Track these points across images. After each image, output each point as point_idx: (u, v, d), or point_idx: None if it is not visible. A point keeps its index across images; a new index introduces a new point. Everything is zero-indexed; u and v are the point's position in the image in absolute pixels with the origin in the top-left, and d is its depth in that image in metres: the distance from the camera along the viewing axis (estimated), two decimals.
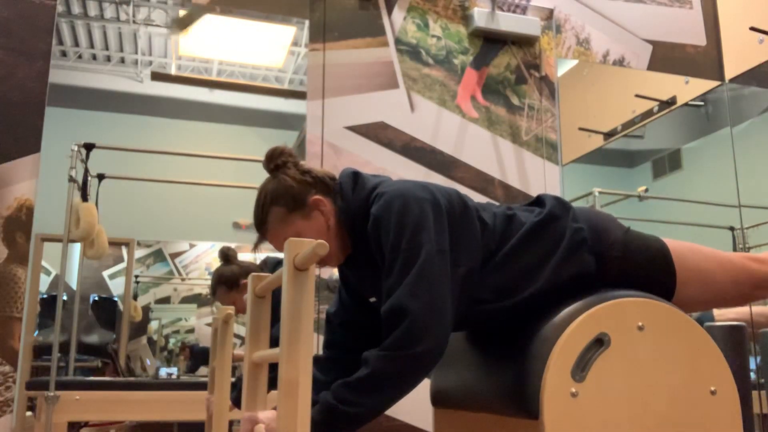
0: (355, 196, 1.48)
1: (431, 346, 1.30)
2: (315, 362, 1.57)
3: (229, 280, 2.43)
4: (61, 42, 2.94)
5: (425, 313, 1.30)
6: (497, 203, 1.75)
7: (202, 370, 3.18)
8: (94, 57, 3.05)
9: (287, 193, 1.46)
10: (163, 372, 2.81)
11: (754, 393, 3.04)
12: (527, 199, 3.23)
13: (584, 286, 1.44)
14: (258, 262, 2.59)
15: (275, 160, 1.50)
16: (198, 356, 3.21)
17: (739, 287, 1.54)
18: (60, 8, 2.89)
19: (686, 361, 1.35)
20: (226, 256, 2.45)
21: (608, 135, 3.65)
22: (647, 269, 1.49)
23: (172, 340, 3.24)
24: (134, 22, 3.06)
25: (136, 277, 3.21)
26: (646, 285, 1.47)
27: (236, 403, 2.07)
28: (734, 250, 3.57)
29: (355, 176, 1.52)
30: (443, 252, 1.36)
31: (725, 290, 1.54)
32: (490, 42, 3.42)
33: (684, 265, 1.51)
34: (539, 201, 1.56)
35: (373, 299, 1.54)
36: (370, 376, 1.29)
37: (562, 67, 3.54)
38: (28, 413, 2.73)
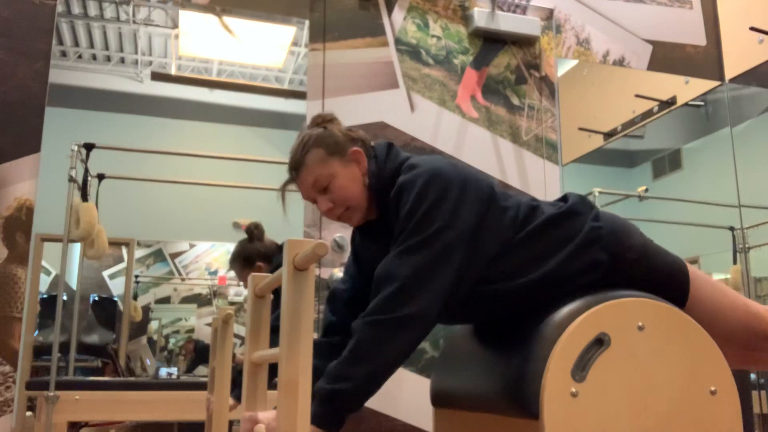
0: (388, 164, 1.51)
1: (415, 311, 1.30)
2: (314, 347, 1.57)
3: (247, 257, 2.50)
4: (61, 42, 2.93)
5: (412, 280, 1.31)
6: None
7: (202, 370, 3.18)
8: (94, 57, 3.05)
9: (331, 138, 1.51)
10: (163, 372, 2.81)
11: (754, 393, 3.04)
12: None
13: (593, 282, 1.44)
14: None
15: (324, 117, 1.57)
16: (201, 352, 3.21)
17: (749, 334, 1.52)
18: (60, 8, 2.89)
19: (686, 361, 1.35)
20: (251, 233, 2.51)
21: (608, 135, 3.65)
22: (663, 278, 1.48)
23: (172, 340, 3.23)
24: (134, 22, 3.06)
25: (136, 277, 3.21)
26: (657, 292, 1.47)
27: (237, 398, 2.09)
28: (734, 249, 3.57)
29: (390, 146, 1.57)
30: (455, 230, 1.36)
31: (734, 331, 1.51)
32: (490, 42, 3.42)
33: (698, 289, 1.49)
34: (564, 198, 1.58)
35: None
36: (356, 345, 1.28)
37: (562, 67, 3.54)
38: (28, 413, 2.73)
